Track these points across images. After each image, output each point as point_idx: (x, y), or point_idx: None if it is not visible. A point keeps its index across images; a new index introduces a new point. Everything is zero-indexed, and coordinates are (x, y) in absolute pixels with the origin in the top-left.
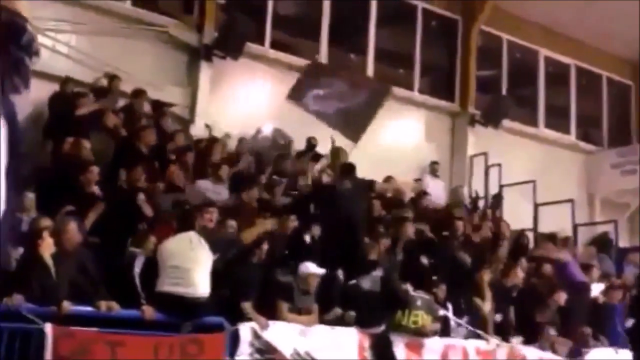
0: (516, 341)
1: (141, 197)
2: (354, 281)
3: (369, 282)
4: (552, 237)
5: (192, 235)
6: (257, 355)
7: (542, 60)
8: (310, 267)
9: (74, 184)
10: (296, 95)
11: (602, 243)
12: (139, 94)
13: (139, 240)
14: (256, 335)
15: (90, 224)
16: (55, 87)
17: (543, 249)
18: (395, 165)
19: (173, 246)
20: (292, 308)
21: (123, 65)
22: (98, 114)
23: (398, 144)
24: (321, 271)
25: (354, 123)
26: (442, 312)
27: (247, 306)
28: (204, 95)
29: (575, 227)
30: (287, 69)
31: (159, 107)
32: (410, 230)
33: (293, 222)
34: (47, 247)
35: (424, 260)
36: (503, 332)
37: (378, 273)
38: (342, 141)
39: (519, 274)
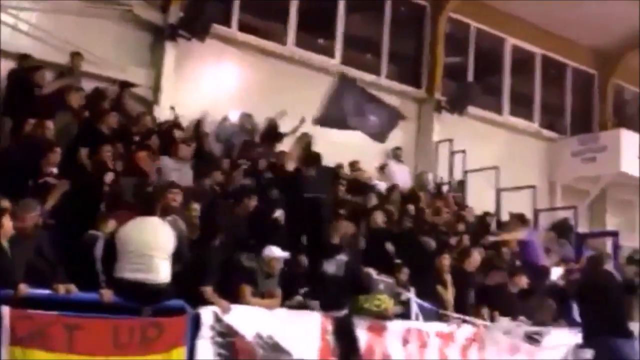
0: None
1: (109, 176)
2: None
3: (333, 266)
4: (521, 218)
5: (153, 219)
6: (218, 339)
7: (509, 49)
8: (275, 251)
9: (35, 165)
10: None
11: (562, 228)
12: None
13: (99, 223)
14: (217, 319)
15: (53, 204)
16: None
17: (509, 229)
18: (361, 150)
19: (133, 231)
20: (255, 292)
21: (85, 44)
22: (62, 93)
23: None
24: (285, 255)
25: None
26: (406, 295)
27: (208, 290)
28: (168, 76)
29: (536, 213)
30: (255, 52)
31: (124, 88)
32: (379, 218)
33: (253, 201)
34: (6, 232)
35: (390, 247)
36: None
37: (343, 257)
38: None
39: (477, 258)
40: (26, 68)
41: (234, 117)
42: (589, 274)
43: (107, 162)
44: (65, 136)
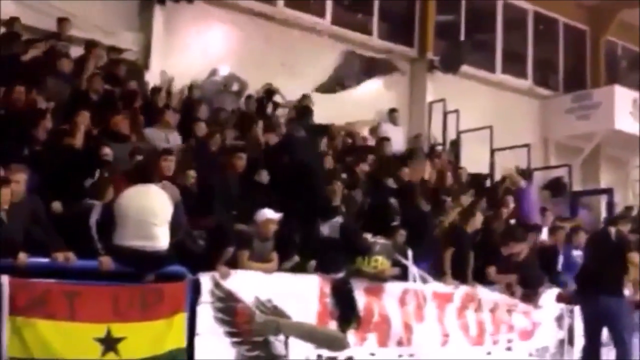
0: None
1: (106, 150)
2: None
3: (327, 228)
4: (524, 172)
5: (150, 187)
6: (218, 304)
7: (501, 6)
8: (267, 213)
9: (26, 132)
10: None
11: (556, 187)
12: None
13: (96, 191)
14: (217, 284)
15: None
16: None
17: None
18: (354, 112)
19: (132, 198)
20: (252, 256)
21: (73, 9)
22: (51, 59)
23: (357, 90)
24: (278, 216)
25: None
26: (405, 262)
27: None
28: (158, 40)
29: (530, 171)
30: (244, 13)
31: (113, 53)
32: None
33: (241, 160)
34: (3, 202)
35: (393, 201)
36: (461, 276)
37: (338, 219)
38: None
39: (478, 219)
40: (17, 35)
41: (223, 72)
42: (595, 232)
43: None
44: (60, 102)
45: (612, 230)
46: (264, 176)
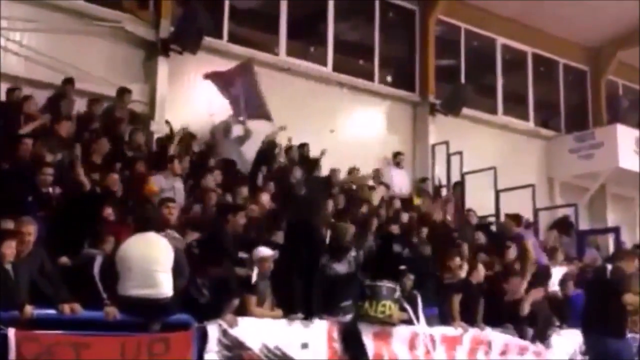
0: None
1: (109, 211)
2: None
3: (344, 265)
4: (516, 217)
5: (151, 235)
6: (225, 352)
7: (500, 48)
8: (262, 251)
9: (31, 183)
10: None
11: (563, 226)
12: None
13: (97, 241)
14: (224, 332)
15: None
16: (8, 86)
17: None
18: (358, 157)
19: (133, 247)
20: (258, 300)
21: (78, 63)
22: (50, 124)
23: (360, 135)
24: (272, 253)
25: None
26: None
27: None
28: (162, 91)
29: (536, 212)
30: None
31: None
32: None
33: (242, 219)
34: (9, 255)
35: (397, 248)
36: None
37: (352, 253)
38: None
39: (481, 272)
40: (15, 102)
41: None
42: (593, 270)
43: (113, 187)
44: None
45: (609, 267)
46: (279, 237)
